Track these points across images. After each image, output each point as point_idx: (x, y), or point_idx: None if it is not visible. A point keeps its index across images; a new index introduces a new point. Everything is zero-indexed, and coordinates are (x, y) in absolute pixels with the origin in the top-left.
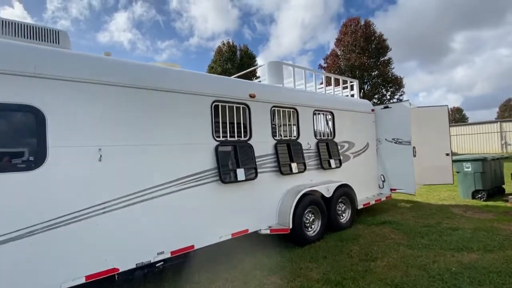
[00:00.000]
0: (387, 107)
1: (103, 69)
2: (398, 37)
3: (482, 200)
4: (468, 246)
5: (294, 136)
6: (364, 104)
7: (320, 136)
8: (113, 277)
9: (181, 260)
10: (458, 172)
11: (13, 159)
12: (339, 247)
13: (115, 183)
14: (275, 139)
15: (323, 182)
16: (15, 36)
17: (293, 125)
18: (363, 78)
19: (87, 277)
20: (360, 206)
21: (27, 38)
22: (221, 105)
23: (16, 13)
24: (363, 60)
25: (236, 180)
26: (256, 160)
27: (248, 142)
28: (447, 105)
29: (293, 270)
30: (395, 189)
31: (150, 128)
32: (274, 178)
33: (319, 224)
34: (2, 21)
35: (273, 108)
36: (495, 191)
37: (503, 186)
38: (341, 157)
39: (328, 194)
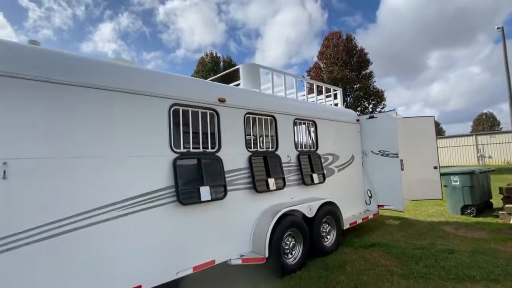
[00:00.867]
0: (372, 117)
1: (8, 58)
2: (378, 54)
3: (472, 216)
4: (470, 274)
5: (272, 148)
6: (349, 113)
7: (302, 147)
8: None
9: None
10: (446, 186)
11: None
12: (323, 278)
13: (22, 210)
14: (249, 151)
15: (305, 199)
16: None
17: (271, 135)
18: (345, 91)
19: None
20: (346, 226)
21: None
22: (183, 110)
23: None
24: (345, 73)
25: (199, 201)
26: (226, 175)
27: (216, 154)
28: (433, 116)
29: None
30: (382, 206)
31: (83, 135)
32: (248, 196)
33: (301, 249)
34: None
35: (247, 115)
36: (484, 206)
37: (490, 200)
38: (325, 171)
39: (310, 214)
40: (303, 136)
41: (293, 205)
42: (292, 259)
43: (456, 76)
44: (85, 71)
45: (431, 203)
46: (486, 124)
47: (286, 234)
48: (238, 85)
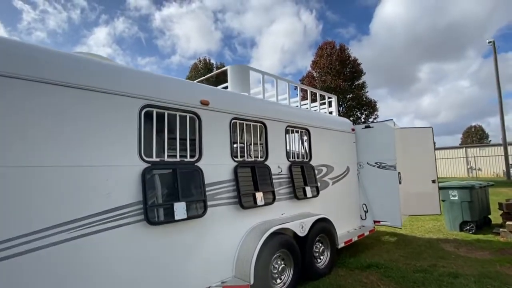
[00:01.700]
0: (368, 126)
1: None
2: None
3: (471, 232)
4: None
5: (261, 157)
6: (344, 122)
7: (294, 157)
8: None
9: None
10: (443, 201)
11: None
12: None
13: None
14: (235, 161)
15: (297, 216)
16: None
17: (260, 143)
18: (338, 100)
19: None
20: (341, 245)
21: None
22: (157, 112)
23: None
24: (338, 82)
25: (172, 220)
26: (207, 189)
27: (196, 164)
28: (431, 127)
29: None
30: (379, 221)
31: (23, 140)
32: (232, 213)
33: (291, 273)
34: None
35: (233, 121)
36: (483, 222)
37: (489, 216)
38: (319, 184)
39: (302, 232)
40: (296, 145)
41: (284, 223)
42: (281, 284)
43: (446, 90)
44: (31, 61)
45: (427, 218)
46: (475, 137)
47: (275, 256)
48: (226, 88)
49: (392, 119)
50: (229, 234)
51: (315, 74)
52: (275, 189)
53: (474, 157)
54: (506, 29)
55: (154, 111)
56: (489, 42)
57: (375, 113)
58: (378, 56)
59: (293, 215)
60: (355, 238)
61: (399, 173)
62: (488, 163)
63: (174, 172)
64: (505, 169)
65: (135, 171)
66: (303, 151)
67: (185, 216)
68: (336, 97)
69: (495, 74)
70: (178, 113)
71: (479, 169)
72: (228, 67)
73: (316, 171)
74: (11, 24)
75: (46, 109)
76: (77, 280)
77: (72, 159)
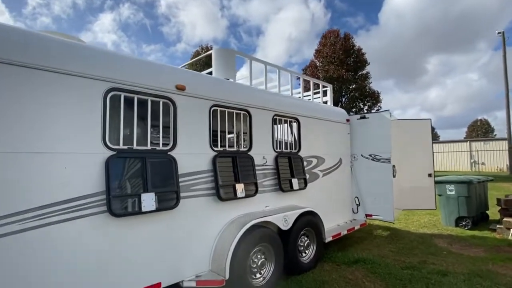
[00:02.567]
0: (364, 117)
1: None
2: (378, 56)
3: (466, 228)
4: None
5: (245, 147)
6: (338, 112)
7: (281, 148)
8: None
9: None
10: (440, 195)
11: None
12: None
13: None
14: (214, 150)
15: (281, 209)
16: None
17: (244, 132)
18: (341, 91)
19: None
20: (328, 239)
21: None
22: (125, 97)
23: None
24: (341, 72)
25: (139, 211)
26: (181, 179)
27: (169, 153)
28: (430, 119)
29: None
30: (370, 215)
31: None
32: (209, 205)
33: (272, 268)
34: None
35: (213, 108)
36: (479, 218)
37: (487, 211)
38: (307, 176)
39: (286, 226)
40: (284, 135)
41: (265, 216)
42: (261, 279)
43: (454, 82)
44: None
45: (423, 213)
46: (480, 131)
47: (254, 250)
48: (210, 73)
49: (388, 110)
50: (206, 227)
51: (318, 64)
52: (259, 181)
53: (478, 151)
54: None
55: (122, 95)
56: (498, 33)
57: (378, 104)
58: (386, 47)
59: (278, 208)
60: (344, 232)
61: (393, 166)
62: (492, 158)
63: (143, 161)
64: (509, 164)
65: (98, 159)
66: (291, 141)
67: (153, 208)
68: (331, 86)
69: (503, 66)
70: (149, 98)
71: (483, 163)
72: (212, 51)
73: (305, 163)
74: (16, 9)
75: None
76: (37, 266)
77: (26, 144)
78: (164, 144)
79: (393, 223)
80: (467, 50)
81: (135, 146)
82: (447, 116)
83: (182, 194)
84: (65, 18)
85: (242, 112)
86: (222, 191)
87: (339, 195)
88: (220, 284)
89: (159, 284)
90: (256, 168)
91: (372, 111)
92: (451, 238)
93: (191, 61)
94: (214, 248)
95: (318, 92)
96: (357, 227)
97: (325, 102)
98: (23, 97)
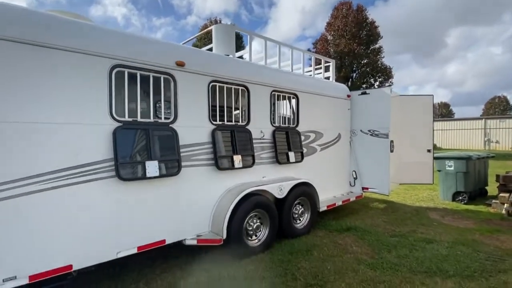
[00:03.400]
0: (365, 93)
1: None
2: (395, 29)
3: (463, 203)
4: (444, 268)
5: (243, 122)
6: (339, 88)
7: (280, 123)
8: None
9: (50, 286)
10: (439, 171)
11: None
12: (285, 263)
13: None
14: (213, 124)
15: (278, 179)
16: None
17: (242, 107)
18: (352, 66)
19: None
20: (323, 208)
21: None
22: (129, 73)
23: None
24: (353, 46)
25: (144, 177)
26: (182, 150)
27: (171, 126)
28: (432, 95)
29: None
30: (367, 188)
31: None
32: (209, 174)
33: (267, 231)
34: None
35: (212, 84)
36: (478, 193)
37: (486, 187)
38: (304, 150)
39: (280, 194)
40: (282, 110)
41: (260, 185)
42: (256, 241)
43: (475, 56)
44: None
45: (424, 187)
46: (498, 108)
47: (250, 215)
48: (210, 49)
49: (390, 86)
50: (206, 193)
51: (329, 37)
52: (256, 153)
53: (493, 129)
54: None
55: (126, 71)
56: None
57: (390, 80)
58: (404, 18)
59: (274, 179)
60: (339, 203)
61: (391, 141)
62: (507, 136)
63: (147, 133)
64: None
65: (106, 129)
66: (290, 116)
67: (157, 174)
68: (334, 61)
69: None
70: (151, 74)
71: (497, 142)
72: (212, 27)
73: (302, 137)
74: None
75: (13, 68)
76: (54, 221)
77: (45, 116)
78: (166, 117)
79: (388, 195)
80: (491, 22)
81: (139, 119)
82: (466, 93)
83: (183, 163)
84: None
85: (240, 87)
86: (220, 162)
87: (336, 168)
88: (218, 243)
89: (164, 241)
90: (254, 141)
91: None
92: (445, 211)
93: (192, 37)
94: (213, 212)
95: (320, 68)
96: (352, 199)
97: (328, 78)
98: (43, 75)
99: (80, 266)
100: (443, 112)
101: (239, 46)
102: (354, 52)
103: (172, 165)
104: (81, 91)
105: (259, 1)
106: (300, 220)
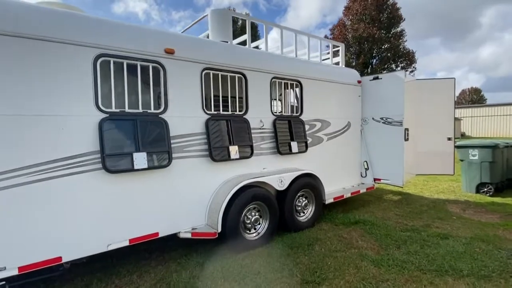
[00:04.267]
0: (377, 77)
1: None
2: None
3: (488, 195)
4: (457, 266)
5: (240, 111)
6: (349, 73)
7: (281, 112)
8: None
9: (41, 277)
10: (462, 160)
11: None
12: (283, 258)
13: None
14: (207, 114)
15: (279, 171)
16: None
17: (239, 96)
18: (371, 52)
19: None
20: (329, 200)
21: None
22: (115, 62)
23: None
24: (372, 31)
25: (131, 169)
26: (173, 141)
27: (161, 116)
28: (454, 78)
29: None
30: (379, 179)
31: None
32: (203, 165)
33: (266, 225)
34: None
35: (206, 71)
36: (505, 185)
37: None
38: (309, 140)
39: (281, 186)
40: (284, 98)
41: (258, 177)
42: (255, 234)
43: None
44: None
45: (445, 178)
46: None
47: (248, 207)
48: (207, 36)
49: (404, 70)
50: (200, 185)
51: (347, 22)
52: (255, 144)
53: None
54: None
55: (112, 60)
56: None
57: (413, 65)
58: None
59: (275, 170)
60: (347, 195)
61: (406, 129)
62: None
63: (135, 123)
64: None
65: (92, 121)
66: (292, 104)
67: (145, 166)
68: (343, 45)
69: None
70: (139, 63)
71: None
72: (208, 13)
73: (307, 126)
74: None
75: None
76: (42, 213)
77: (27, 108)
78: (155, 107)
79: (402, 187)
80: None
81: (127, 109)
82: (500, 77)
83: (174, 155)
84: None
85: (237, 75)
86: (214, 153)
87: (345, 159)
88: (213, 236)
89: (157, 233)
90: (252, 131)
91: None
92: (467, 204)
93: (189, 25)
94: (209, 204)
95: (333, 53)
96: (363, 191)
97: (337, 64)
98: (23, 67)
99: (69, 258)
100: (473, 98)
101: (254, 36)
102: (373, 37)
103: (162, 157)
104: (65, 83)
105: None
106: (303, 213)
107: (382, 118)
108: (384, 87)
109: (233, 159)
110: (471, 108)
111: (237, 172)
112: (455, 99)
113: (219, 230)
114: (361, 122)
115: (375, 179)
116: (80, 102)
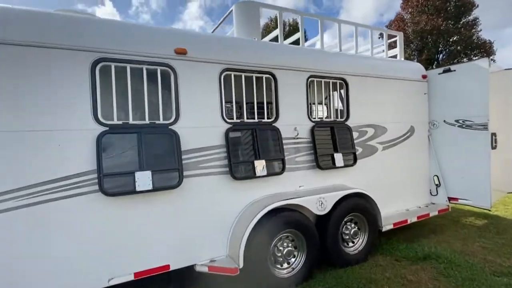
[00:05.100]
0: (448, 70)
1: None
2: None
3: None
4: None
5: (269, 118)
6: (410, 67)
7: (321, 117)
8: None
9: None
10: None
11: None
12: None
13: None
14: (227, 123)
15: (318, 190)
16: None
17: (267, 100)
18: (436, 46)
19: None
20: (388, 227)
21: None
22: (116, 67)
23: (107, 10)
24: (437, 22)
25: (133, 191)
26: (186, 156)
27: (171, 127)
28: None
29: None
30: (456, 199)
31: None
32: (223, 184)
33: (302, 259)
34: None
35: (225, 73)
36: None
37: None
38: (358, 150)
39: (321, 210)
40: (325, 100)
41: (291, 198)
42: (289, 269)
43: None
44: None
45: None
46: None
47: (278, 236)
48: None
49: (488, 58)
50: (220, 208)
51: (405, 16)
52: (288, 157)
53: None
54: None
55: (112, 65)
56: None
57: (491, 57)
58: None
59: (314, 189)
60: (412, 219)
61: (493, 134)
62: None
63: (139, 137)
64: None
65: (89, 135)
66: (336, 108)
67: (150, 187)
68: (401, 34)
69: None
70: (144, 67)
71: None
72: (233, 6)
73: (355, 134)
74: (124, 12)
75: None
76: (29, 244)
77: (13, 123)
78: (164, 118)
79: (490, 210)
80: None
81: (131, 121)
82: None
83: (187, 173)
84: (160, 12)
85: (264, 75)
86: (235, 169)
87: (408, 173)
88: (234, 273)
89: (167, 266)
90: (284, 141)
91: None
92: None
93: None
94: (231, 231)
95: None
96: (433, 213)
97: (395, 56)
98: (9, 76)
99: None
100: None
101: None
102: (439, 29)
103: (171, 176)
104: (58, 93)
105: None
106: (353, 242)
107: (457, 121)
108: (460, 81)
109: (258, 177)
110: None
111: (266, 192)
112: None
113: (241, 265)
114: (428, 126)
115: (449, 199)
116: (76, 114)
